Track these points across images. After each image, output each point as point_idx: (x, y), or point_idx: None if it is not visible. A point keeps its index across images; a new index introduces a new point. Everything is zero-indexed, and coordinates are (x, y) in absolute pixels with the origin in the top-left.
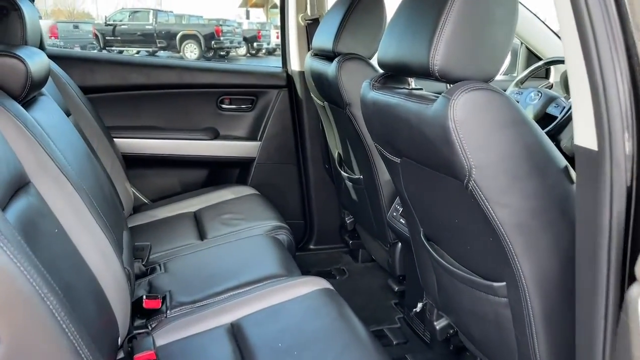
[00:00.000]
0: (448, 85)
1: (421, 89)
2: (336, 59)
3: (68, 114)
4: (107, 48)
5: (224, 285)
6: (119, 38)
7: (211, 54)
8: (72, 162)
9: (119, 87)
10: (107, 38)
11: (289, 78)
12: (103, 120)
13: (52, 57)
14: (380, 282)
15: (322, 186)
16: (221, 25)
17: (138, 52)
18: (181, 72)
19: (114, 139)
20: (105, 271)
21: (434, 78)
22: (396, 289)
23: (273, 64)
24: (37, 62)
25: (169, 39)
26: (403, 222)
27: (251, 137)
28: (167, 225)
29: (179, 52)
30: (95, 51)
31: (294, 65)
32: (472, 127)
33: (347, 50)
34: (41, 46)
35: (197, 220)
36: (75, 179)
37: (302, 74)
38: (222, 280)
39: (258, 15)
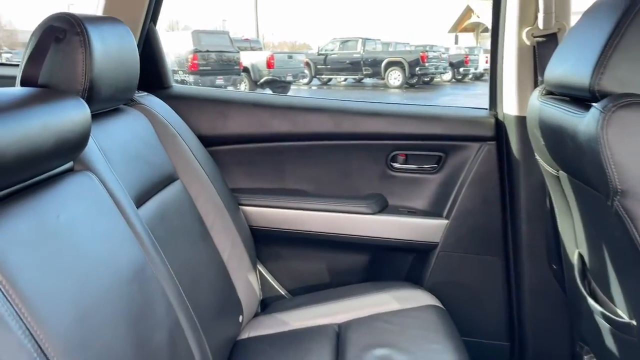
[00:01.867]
0: None
1: None
2: (597, 104)
3: (172, 180)
4: (317, 76)
5: None
6: (329, 67)
7: (415, 80)
8: (72, 304)
9: (256, 137)
10: (318, 67)
11: (499, 126)
12: (229, 182)
13: (176, 97)
14: None
15: (545, 293)
16: (427, 51)
17: (345, 80)
18: (339, 116)
19: (242, 207)
20: None
21: None
22: None
23: (480, 90)
24: (30, 130)
25: (375, 66)
26: None
27: (434, 211)
28: (293, 348)
29: (383, 79)
30: (245, 89)
31: (509, 107)
32: None
33: (620, 88)
34: (165, 84)
35: (338, 346)
36: (55, 346)
37: (522, 120)
38: None
39: (468, 40)
